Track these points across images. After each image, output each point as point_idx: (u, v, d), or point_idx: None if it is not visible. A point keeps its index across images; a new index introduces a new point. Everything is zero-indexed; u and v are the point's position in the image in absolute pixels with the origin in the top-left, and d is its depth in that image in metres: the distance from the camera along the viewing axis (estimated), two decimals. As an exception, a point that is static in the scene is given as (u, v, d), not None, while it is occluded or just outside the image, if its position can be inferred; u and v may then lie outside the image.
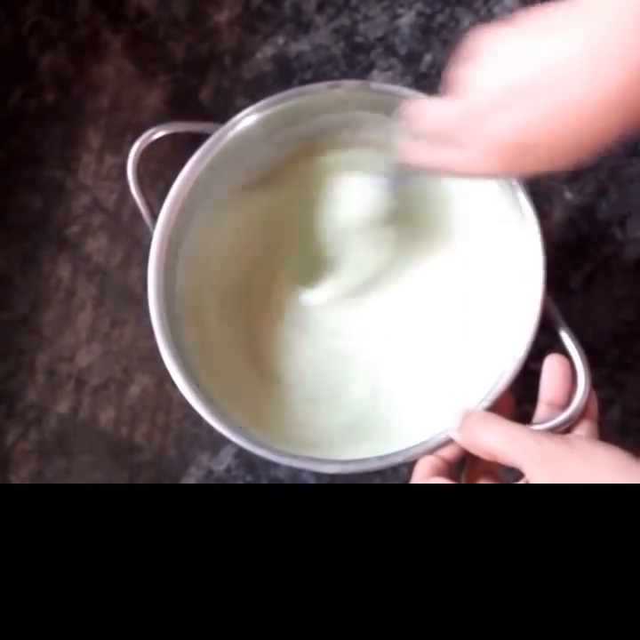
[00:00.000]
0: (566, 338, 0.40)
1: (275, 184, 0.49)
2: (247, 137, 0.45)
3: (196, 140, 0.44)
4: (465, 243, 0.48)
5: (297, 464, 0.39)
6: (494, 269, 0.46)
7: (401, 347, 0.48)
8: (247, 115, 0.44)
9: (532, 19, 0.31)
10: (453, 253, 0.48)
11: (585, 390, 0.39)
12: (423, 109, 0.36)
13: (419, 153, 0.38)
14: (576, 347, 0.40)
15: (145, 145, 0.44)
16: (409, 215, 0.48)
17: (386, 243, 0.48)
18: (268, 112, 0.44)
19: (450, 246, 0.48)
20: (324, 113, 0.46)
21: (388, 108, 0.44)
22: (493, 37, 0.32)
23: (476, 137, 0.33)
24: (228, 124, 0.44)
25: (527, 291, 0.40)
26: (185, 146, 0.45)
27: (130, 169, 0.44)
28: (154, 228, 0.43)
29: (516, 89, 0.31)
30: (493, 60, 0.32)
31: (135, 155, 0.44)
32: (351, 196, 0.47)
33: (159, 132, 0.44)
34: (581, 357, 0.39)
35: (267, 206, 0.49)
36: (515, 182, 0.42)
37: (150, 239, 0.43)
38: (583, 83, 0.29)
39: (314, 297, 0.49)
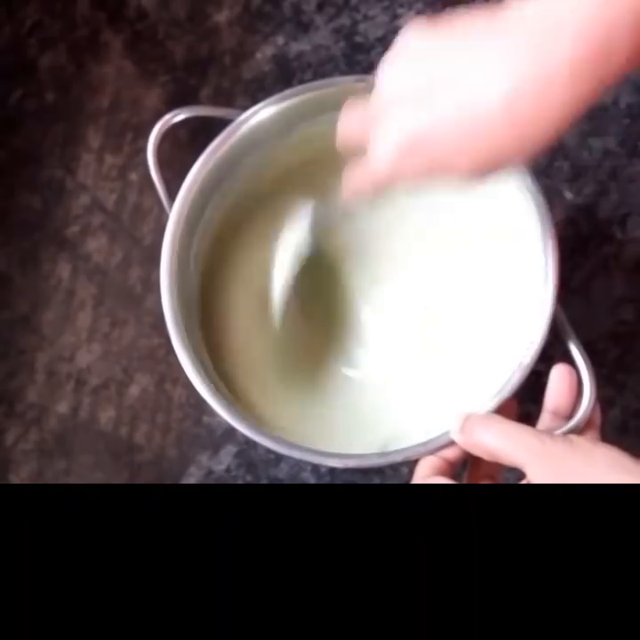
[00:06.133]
0: (574, 349, 0.40)
1: (296, 186, 0.48)
2: (268, 125, 0.44)
3: (197, 142, 0.44)
4: (476, 249, 0.48)
5: (297, 455, 0.39)
6: (505, 275, 0.45)
7: (410, 350, 0.48)
8: (269, 104, 0.43)
9: (454, 22, 0.30)
10: (466, 259, 0.48)
11: (590, 402, 0.38)
12: (346, 118, 0.36)
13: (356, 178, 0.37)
14: (583, 358, 0.40)
15: (166, 127, 0.43)
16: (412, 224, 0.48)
17: None
18: (290, 102, 0.43)
19: (462, 251, 0.48)
20: None
21: None
22: (414, 37, 0.31)
23: (378, 136, 0.32)
24: (250, 111, 0.44)
25: (537, 299, 0.40)
26: (184, 149, 0.45)
27: (150, 149, 0.43)
28: (170, 208, 0.43)
29: (423, 88, 0.30)
30: (408, 61, 0.31)
31: (156, 135, 0.43)
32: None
33: (180, 115, 0.44)
34: (588, 369, 0.39)
35: (291, 207, 0.48)
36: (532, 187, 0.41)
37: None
38: (487, 87, 0.29)
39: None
